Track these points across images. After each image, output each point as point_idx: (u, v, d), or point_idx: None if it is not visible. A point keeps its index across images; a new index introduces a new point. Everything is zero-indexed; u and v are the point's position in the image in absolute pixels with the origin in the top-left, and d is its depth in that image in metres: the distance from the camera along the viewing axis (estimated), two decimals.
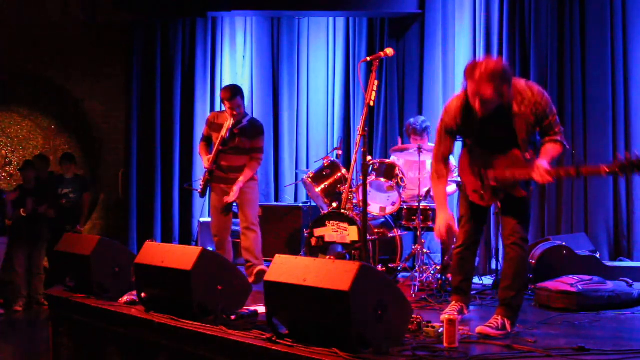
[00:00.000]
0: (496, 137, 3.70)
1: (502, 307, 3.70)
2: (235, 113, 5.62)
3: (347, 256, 5.26)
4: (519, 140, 3.64)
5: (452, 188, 6.01)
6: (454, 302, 3.99)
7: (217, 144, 5.66)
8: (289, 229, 7.03)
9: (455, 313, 3.78)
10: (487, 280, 5.69)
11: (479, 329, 3.60)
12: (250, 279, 5.39)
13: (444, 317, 3.28)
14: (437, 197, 3.97)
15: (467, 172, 3.90)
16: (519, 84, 3.64)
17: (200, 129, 8.10)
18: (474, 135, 3.78)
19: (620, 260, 5.93)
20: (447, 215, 3.83)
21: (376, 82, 3.93)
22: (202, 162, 5.91)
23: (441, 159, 3.91)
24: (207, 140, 5.84)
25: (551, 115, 3.66)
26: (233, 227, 6.04)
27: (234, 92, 5.62)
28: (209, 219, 7.69)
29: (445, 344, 3.21)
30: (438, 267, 5.29)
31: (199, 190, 5.84)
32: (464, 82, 3.61)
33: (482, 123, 3.67)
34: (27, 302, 7.18)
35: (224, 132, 5.61)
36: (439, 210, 3.90)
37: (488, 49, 6.77)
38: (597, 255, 5.42)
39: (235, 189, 5.63)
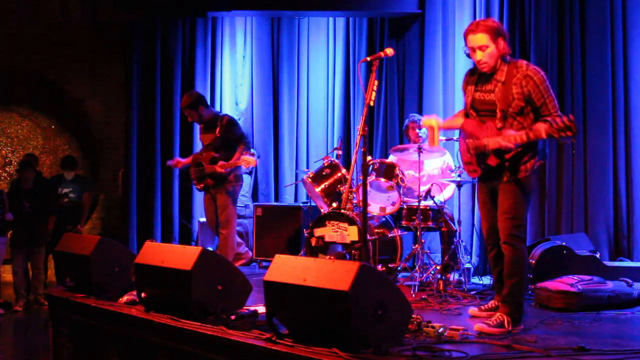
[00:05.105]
0: (483, 106, 3.85)
1: (501, 305, 3.80)
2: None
3: (347, 256, 5.25)
4: (497, 109, 3.75)
5: (451, 188, 6.02)
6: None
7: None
8: (289, 229, 7.03)
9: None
10: (487, 280, 5.69)
11: (476, 327, 3.67)
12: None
13: None
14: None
15: (462, 146, 4.03)
16: (521, 61, 3.81)
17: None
18: (470, 100, 3.93)
19: (620, 260, 5.92)
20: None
21: (376, 82, 3.92)
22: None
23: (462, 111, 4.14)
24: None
25: (547, 96, 3.70)
26: None
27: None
28: None
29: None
30: (438, 267, 5.29)
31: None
32: (465, 47, 3.83)
33: (476, 87, 3.87)
34: (27, 302, 7.17)
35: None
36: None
37: None
38: (597, 255, 5.42)
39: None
